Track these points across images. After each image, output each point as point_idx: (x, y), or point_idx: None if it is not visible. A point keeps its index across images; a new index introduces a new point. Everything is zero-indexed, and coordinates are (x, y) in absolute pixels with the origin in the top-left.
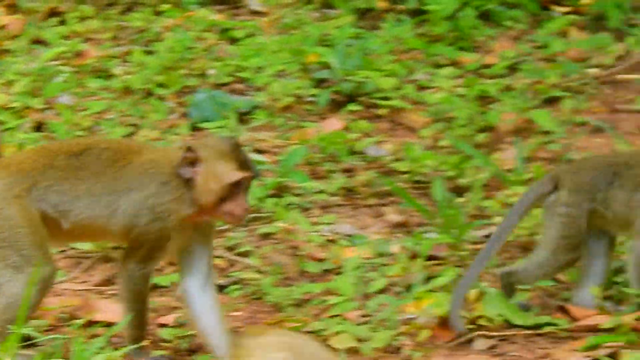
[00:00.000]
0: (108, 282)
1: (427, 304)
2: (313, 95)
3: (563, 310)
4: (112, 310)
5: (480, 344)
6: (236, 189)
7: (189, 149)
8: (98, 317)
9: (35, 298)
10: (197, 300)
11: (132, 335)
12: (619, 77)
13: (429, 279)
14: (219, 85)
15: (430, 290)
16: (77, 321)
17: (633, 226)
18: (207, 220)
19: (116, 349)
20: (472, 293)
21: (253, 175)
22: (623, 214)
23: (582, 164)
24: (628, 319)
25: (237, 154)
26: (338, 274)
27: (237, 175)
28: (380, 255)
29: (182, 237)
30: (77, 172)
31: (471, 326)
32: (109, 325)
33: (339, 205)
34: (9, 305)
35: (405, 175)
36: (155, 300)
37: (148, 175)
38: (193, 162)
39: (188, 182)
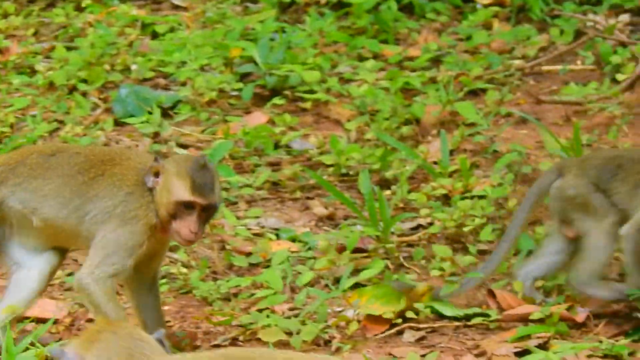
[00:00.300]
0: None
1: (355, 297)
2: (237, 90)
3: (493, 294)
4: (42, 306)
5: (410, 336)
6: (187, 210)
7: (156, 159)
8: (27, 313)
9: None
10: (141, 293)
11: None
12: (543, 68)
13: (356, 271)
14: (142, 81)
15: (358, 283)
16: None
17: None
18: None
19: (45, 345)
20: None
21: (204, 203)
22: (623, 206)
23: (588, 155)
24: (557, 309)
25: (196, 176)
26: (266, 267)
27: (185, 196)
28: (308, 248)
29: (150, 247)
30: (46, 171)
31: (398, 320)
32: (38, 321)
33: (265, 199)
34: None
35: (331, 169)
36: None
37: (117, 185)
38: (157, 173)
39: (152, 192)
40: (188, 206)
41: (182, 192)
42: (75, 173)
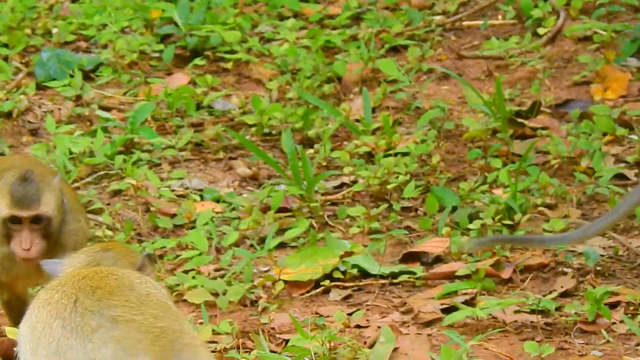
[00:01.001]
0: None
1: (281, 257)
2: (158, 51)
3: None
4: None
5: (336, 294)
6: (15, 226)
7: None
8: None
9: None
10: None
11: None
12: (464, 23)
13: (281, 231)
14: (63, 44)
15: (284, 242)
16: None
17: None
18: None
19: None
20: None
21: (27, 215)
22: None
23: None
24: (483, 265)
25: (15, 189)
26: (190, 228)
27: (4, 212)
28: (232, 208)
29: (12, 273)
30: None
31: (325, 282)
32: None
33: (189, 160)
34: None
35: (254, 128)
36: None
37: None
38: None
39: None
40: (14, 221)
41: (2, 208)
42: None
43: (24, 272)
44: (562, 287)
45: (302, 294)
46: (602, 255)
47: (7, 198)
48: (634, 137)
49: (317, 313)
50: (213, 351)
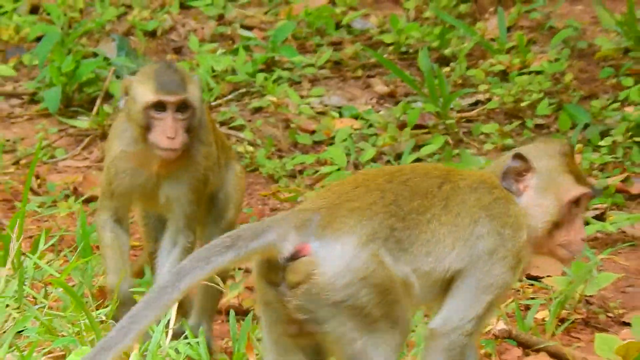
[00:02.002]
0: None
1: None
2: None
3: None
4: None
5: None
6: (159, 114)
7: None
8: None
9: None
10: (159, 248)
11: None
12: None
13: (417, 147)
14: None
15: (419, 159)
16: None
17: None
18: (172, 164)
19: None
20: None
21: (174, 100)
22: None
23: None
24: (614, 181)
25: (160, 75)
26: (329, 144)
27: (150, 97)
28: (370, 125)
29: (140, 179)
30: None
31: None
32: None
33: (328, 78)
34: None
35: (391, 47)
36: None
37: None
38: (127, 90)
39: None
40: (158, 108)
41: (147, 94)
42: None
43: (144, 185)
44: None
45: None
46: None
47: (152, 83)
48: None
49: None
50: None
